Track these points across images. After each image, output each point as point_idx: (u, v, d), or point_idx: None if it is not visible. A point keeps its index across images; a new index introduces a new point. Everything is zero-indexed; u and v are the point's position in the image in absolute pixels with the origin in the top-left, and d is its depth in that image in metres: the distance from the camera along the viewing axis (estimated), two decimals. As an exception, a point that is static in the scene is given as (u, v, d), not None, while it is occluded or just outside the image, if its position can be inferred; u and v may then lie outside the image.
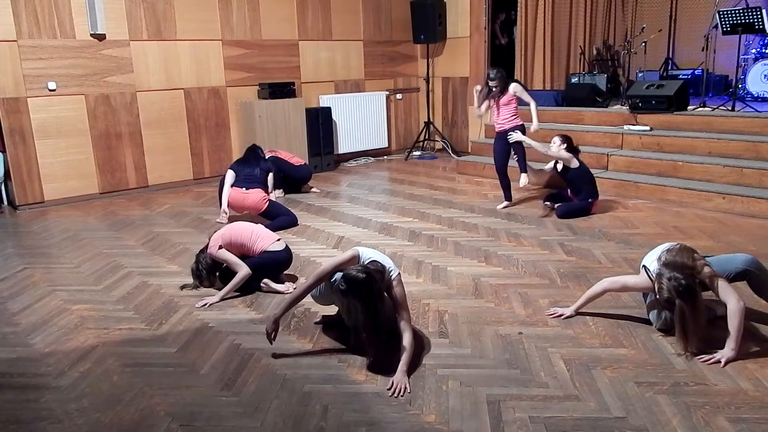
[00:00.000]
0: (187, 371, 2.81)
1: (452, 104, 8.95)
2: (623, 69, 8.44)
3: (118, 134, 6.66)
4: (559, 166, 5.40)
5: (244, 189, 5.26)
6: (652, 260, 2.96)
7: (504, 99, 5.47)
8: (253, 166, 5.54)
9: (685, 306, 2.69)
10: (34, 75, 6.05)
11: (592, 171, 6.26)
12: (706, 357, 2.73)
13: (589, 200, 5.29)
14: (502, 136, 5.52)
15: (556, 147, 5.30)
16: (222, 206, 5.34)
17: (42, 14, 6.01)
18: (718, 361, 2.70)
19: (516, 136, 5.34)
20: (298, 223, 5.32)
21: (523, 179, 5.56)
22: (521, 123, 5.51)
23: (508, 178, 5.73)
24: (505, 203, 5.74)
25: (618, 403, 2.44)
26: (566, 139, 5.35)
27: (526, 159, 5.57)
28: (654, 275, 2.88)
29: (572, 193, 5.41)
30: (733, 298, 2.74)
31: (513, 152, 5.55)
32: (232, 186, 5.32)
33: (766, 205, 5.03)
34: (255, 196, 5.22)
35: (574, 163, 5.26)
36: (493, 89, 5.44)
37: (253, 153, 5.76)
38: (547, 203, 5.52)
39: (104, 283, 4.00)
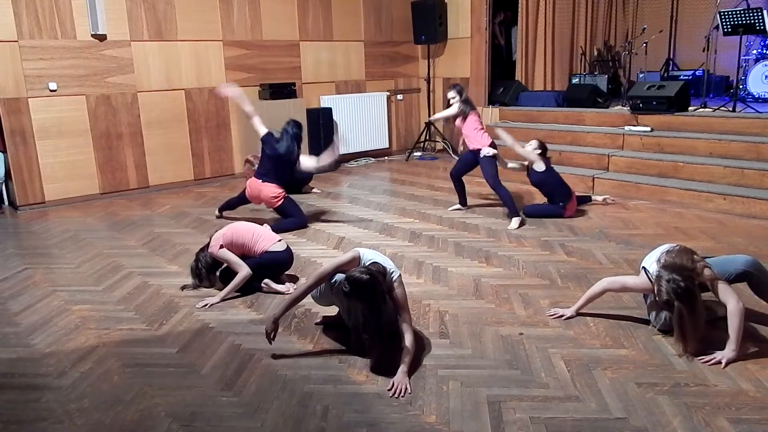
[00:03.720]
0: (188, 372, 2.81)
1: (453, 105, 8.94)
2: (624, 70, 8.44)
3: (119, 135, 6.66)
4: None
5: (261, 180, 5.22)
6: (651, 262, 2.96)
7: (467, 124, 5.33)
8: (280, 143, 5.22)
9: (683, 308, 2.69)
10: (35, 75, 6.06)
11: (593, 171, 6.28)
12: (707, 358, 2.73)
13: (560, 203, 5.26)
14: (473, 151, 5.41)
15: (531, 148, 5.27)
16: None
17: (43, 15, 6.01)
18: (719, 362, 2.70)
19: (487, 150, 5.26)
20: (308, 226, 5.27)
21: (514, 223, 5.07)
22: (491, 140, 5.34)
23: (461, 182, 5.66)
24: (458, 206, 5.69)
25: (618, 403, 2.44)
26: (542, 145, 5.34)
27: (513, 201, 5.20)
28: (653, 277, 2.88)
29: (546, 197, 5.39)
30: (732, 299, 2.74)
31: (483, 173, 5.33)
32: (254, 176, 5.25)
33: (766, 206, 5.03)
34: (268, 191, 5.16)
35: (539, 166, 5.20)
36: (452, 101, 5.33)
37: (288, 133, 5.30)
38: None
39: (105, 284, 4.00)
